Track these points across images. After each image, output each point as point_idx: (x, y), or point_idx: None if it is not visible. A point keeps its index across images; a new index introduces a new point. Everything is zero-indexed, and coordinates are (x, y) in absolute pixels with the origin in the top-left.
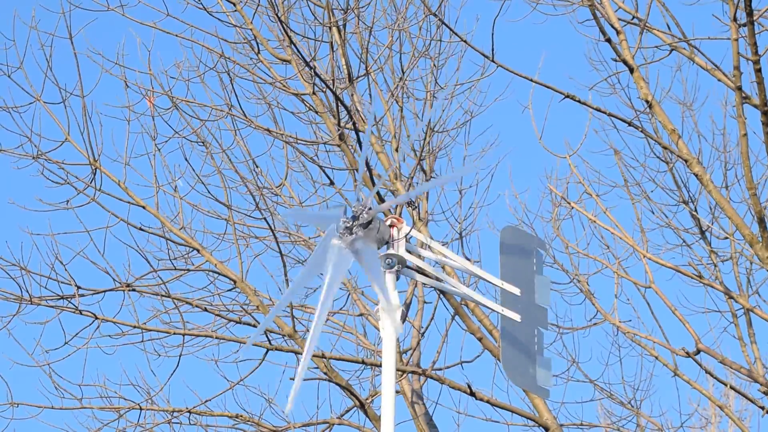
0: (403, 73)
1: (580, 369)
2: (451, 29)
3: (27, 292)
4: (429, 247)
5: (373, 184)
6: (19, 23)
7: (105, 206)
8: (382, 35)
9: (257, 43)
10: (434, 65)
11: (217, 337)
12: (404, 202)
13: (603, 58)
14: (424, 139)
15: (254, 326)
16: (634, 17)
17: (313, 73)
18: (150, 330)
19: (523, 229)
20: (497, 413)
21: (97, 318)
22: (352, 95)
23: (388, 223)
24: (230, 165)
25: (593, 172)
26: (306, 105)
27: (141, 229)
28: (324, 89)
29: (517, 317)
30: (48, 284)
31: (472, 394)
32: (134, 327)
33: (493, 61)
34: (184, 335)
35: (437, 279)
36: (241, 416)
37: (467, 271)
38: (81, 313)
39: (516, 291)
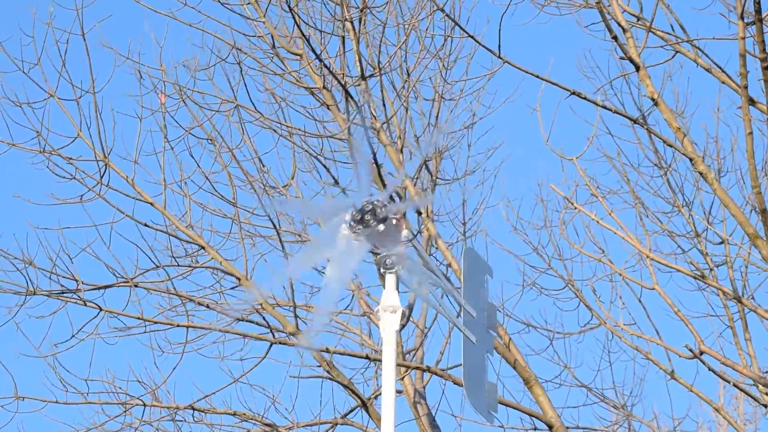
0: (409, 75)
1: (572, 374)
2: (458, 24)
3: (32, 283)
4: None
5: (381, 181)
6: (36, 21)
7: (112, 202)
8: (390, 33)
9: (272, 37)
10: (443, 66)
11: (219, 330)
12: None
13: (609, 62)
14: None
15: (258, 324)
16: (639, 19)
17: (322, 66)
18: (153, 322)
19: (478, 254)
20: (499, 411)
21: (101, 309)
22: (364, 92)
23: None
24: (236, 161)
25: (591, 177)
26: (317, 99)
27: (147, 225)
28: (334, 83)
29: (473, 338)
30: (51, 279)
31: None
32: (138, 318)
33: (499, 57)
34: (187, 327)
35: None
36: (245, 414)
37: (437, 283)
38: (85, 304)
39: (473, 313)
